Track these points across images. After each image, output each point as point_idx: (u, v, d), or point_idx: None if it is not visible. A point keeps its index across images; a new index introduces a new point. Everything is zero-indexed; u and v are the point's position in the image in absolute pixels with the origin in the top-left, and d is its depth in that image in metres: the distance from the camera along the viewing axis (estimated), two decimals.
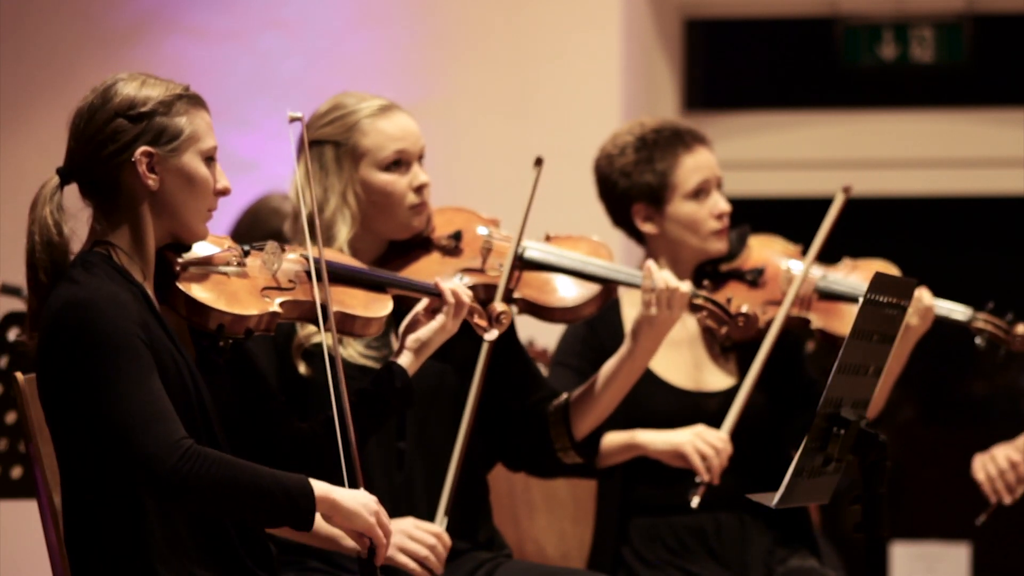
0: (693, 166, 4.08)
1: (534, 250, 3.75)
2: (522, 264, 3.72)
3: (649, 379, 4.03)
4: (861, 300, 3.05)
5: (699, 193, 4.08)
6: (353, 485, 3.04)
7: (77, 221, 3.02)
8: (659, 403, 4.05)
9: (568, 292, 3.72)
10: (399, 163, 3.65)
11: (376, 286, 3.28)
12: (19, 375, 3.14)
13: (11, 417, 4.29)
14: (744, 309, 3.77)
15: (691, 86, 6.88)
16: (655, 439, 3.97)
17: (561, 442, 3.74)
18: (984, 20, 6.75)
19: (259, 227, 5.22)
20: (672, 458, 3.94)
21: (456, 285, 3.29)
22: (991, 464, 4.21)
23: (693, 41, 6.88)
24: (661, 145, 4.08)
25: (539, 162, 3.73)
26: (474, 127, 6.21)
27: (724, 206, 4.09)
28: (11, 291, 4.57)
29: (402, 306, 3.36)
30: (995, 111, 6.71)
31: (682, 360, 4.09)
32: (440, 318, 3.28)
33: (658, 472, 4.03)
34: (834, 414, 3.06)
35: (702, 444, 3.91)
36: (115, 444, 2.85)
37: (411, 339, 3.27)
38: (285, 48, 6.36)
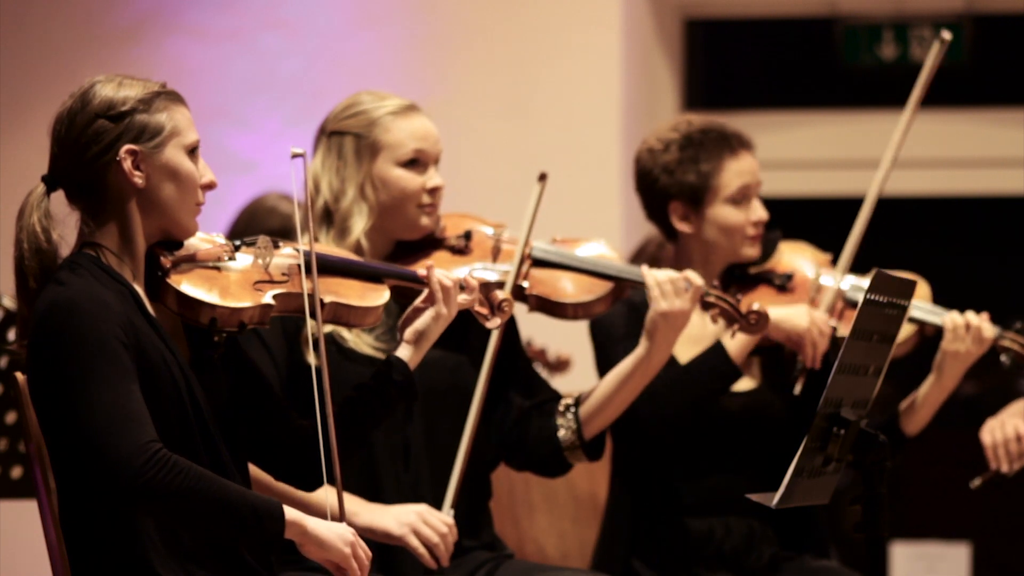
0: (737, 171, 4.06)
1: (544, 250, 3.78)
2: (534, 263, 3.76)
3: None
4: (861, 300, 3.05)
5: (740, 198, 4.07)
6: (331, 482, 3.05)
7: (65, 227, 3.04)
8: None
9: (580, 289, 3.75)
10: (416, 162, 3.69)
11: (370, 276, 3.29)
12: (19, 375, 3.14)
13: (11, 417, 4.29)
14: (755, 307, 3.77)
15: (691, 86, 6.88)
16: (778, 315, 3.90)
17: (570, 442, 3.74)
18: (984, 20, 6.75)
19: (256, 225, 5.22)
20: (786, 338, 3.93)
21: (441, 273, 3.30)
22: (999, 430, 4.24)
23: (693, 41, 6.88)
24: (707, 146, 4.06)
25: (543, 177, 3.75)
26: (474, 128, 6.21)
27: (763, 214, 4.08)
28: None
29: (406, 300, 3.37)
30: (995, 111, 6.71)
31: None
32: (433, 306, 3.28)
33: (670, 473, 4.04)
34: (834, 414, 3.06)
35: (816, 331, 3.90)
36: (84, 446, 2.86)
37: (409, 331, 3.27)
38: (285, 48, 6.36)
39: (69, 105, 3.02)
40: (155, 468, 2.83)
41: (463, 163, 6.10)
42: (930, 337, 4.13)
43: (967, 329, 4.08)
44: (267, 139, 6.23)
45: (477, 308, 3.35)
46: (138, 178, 3.00)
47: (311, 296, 3.13)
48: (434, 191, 3.70)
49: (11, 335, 4.30)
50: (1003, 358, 4.15)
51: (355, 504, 3.51)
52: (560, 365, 5.52)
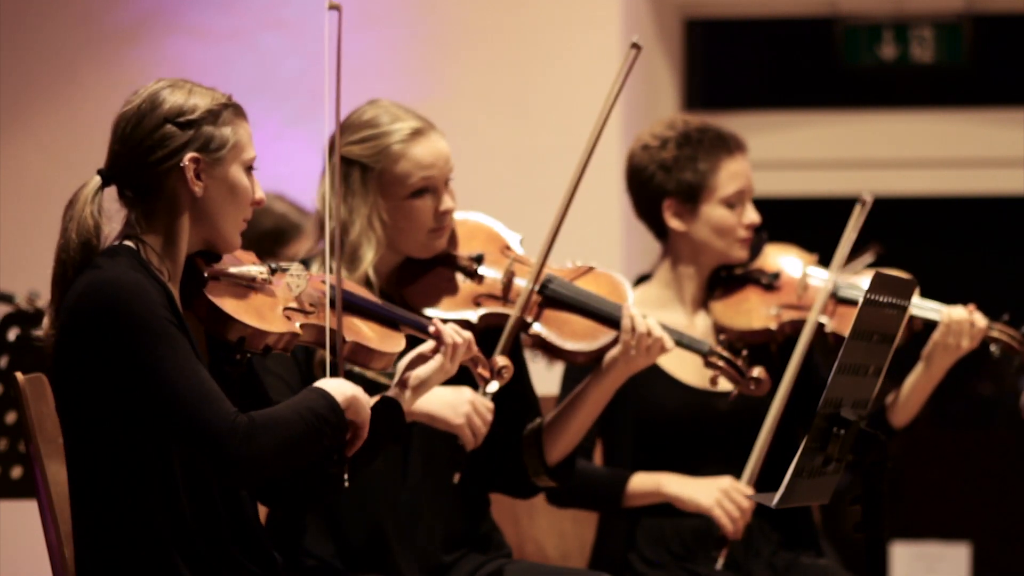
0: (733, 172, 4.08)
1: (556, 286, 3.68)
2: (543, 300, 3.68)
3: (659, 376, 4.03)
4: (861, 300, 3.05)
5: (735, 201, 4.07)
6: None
7: (111, 224, 3.04)
8: (669, 400, 4.05)
9: (585, 336, 3.67)
10: (424, 191, 3.62)
11: (389, 322, 3.28)
12: (19, 375, 3.14)
13: (11, 417, 4.29)
14: (755, 373, 3.77)
15: (691, 86, 6.88)
16: (681, 492, 3.97)
17: (534, 467, 3.72)
18: (984, 20, 6.75)
19: (251, 226, 5.22)
20: (698, 512, 3.96)
21: (453, 330, 3.28)
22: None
23: (693, 41, 6.88)
24: (705, 145, 4.07)
25: (635, 46, 3.66)
26: (474, 127, 6.21)
27: (755, 217, 4.09)
28: (3, 298, 4.56)
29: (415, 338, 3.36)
30: (995, 111, 6.71)
31: (693, 358, 4.09)
32: (438, 358, 3.27)
33: (661, 471, 4.04)
34: (834, 414, 3.06)
35: (729, 504, 3.92)
36: (173, 431, 2.89)
37: (412, 377, 3.26)
38: (285, 48, 6.36)
39: (137, 105, 3.02)
40: (247, 441, 2.88)
41: (463, 163, 6.08)
42: (918, 331, 4.14)
43: (962, 324, 4.09)
44: (267, 139, 6.22)
45: (479, 370, 3.37)
46: (197, 187, 3.02)
47: (334, 332, 3.13)
48: (444, 215, 3.64)
49: (11, 335, 4.30)
50: (992, 348, 4.18)
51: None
52: None
